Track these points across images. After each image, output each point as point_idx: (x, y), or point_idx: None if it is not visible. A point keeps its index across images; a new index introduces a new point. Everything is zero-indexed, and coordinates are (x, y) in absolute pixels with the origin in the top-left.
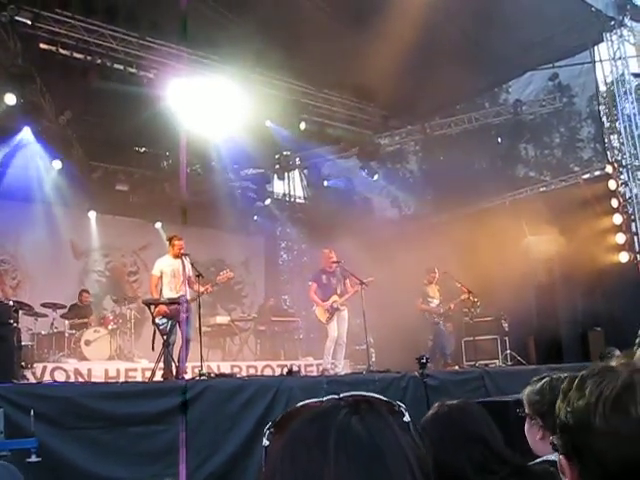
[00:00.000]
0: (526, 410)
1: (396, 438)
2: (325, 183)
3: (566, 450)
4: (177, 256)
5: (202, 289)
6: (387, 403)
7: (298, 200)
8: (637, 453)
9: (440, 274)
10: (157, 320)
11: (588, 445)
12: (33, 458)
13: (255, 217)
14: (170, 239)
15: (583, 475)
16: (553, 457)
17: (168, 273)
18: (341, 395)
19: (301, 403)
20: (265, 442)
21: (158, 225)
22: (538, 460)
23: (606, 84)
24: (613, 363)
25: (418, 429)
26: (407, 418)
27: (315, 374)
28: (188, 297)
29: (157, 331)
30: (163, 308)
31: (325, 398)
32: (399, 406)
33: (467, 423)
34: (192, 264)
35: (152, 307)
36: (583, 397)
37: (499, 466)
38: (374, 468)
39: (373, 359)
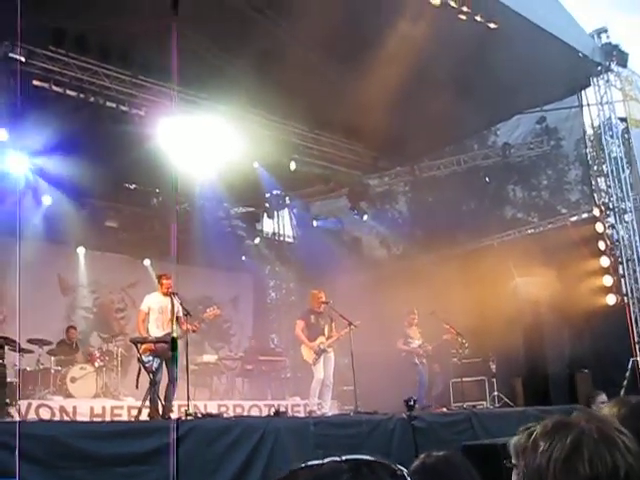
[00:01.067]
0: (513, 460)
1: None
2: (315, 223)
3: None
4: (166, 294)
5: (189, 327)
6: (388, 467)
7: (287, 239)
8: None
9: (427, 315)
10: (143, 357)
11: None
12: None
13: (244, 257)
14: (159, 277)
15: None
16: None
17: (156, 310)
18: (343, 457)
19: (301, 465)
20: None
21: (147, 262)
22: None
23: (593, 127)
24: (570, 417)
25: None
26: None
27: (302, 414)
28: (175, 335)
29: (143, 369)
30: (150, 346)
31: (326, 460)
32: (400, 470)
33: (451, 474)
34: (180, 303)
35: (139, 345)
36: (535, 458)
37: None
38: None
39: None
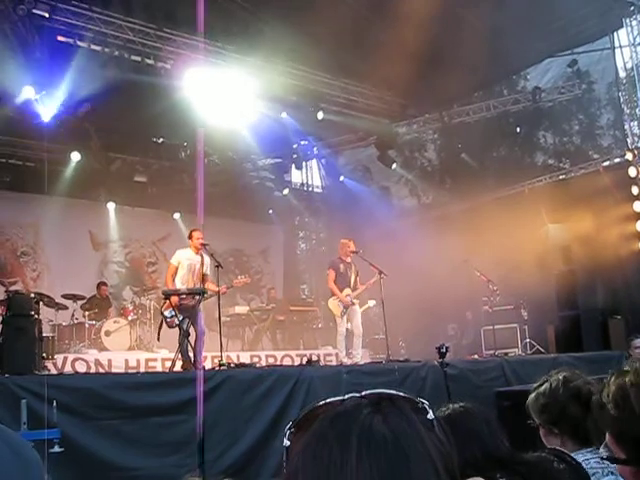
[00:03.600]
0: (536, 421)
1: (420, 438)
2: (343, 172)
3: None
4: (197, 250)
5: (222, 289)
6: (410, 400)
7: (316, 190)
8: None
9: (460, 262)
10: (165, 312)
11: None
12: (56, 449)
13: (272, 209)
14: (190, 232)
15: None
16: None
17: (185, 266)
18: (363, 393)
19: (322, 402)
20: (286, 442)
21: (177, 216)
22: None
23: (626, 70)
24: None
25: (442, 425)
26: (431, 415)
27: (334, 363)
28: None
29: (165, 323)
30: (175, 300)
31: (346, 396)
32: (422, 403)
33: (467, 426)
34: (212, 255)
35: (169, 298)
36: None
37: (488, 464)
38: (398, 469)
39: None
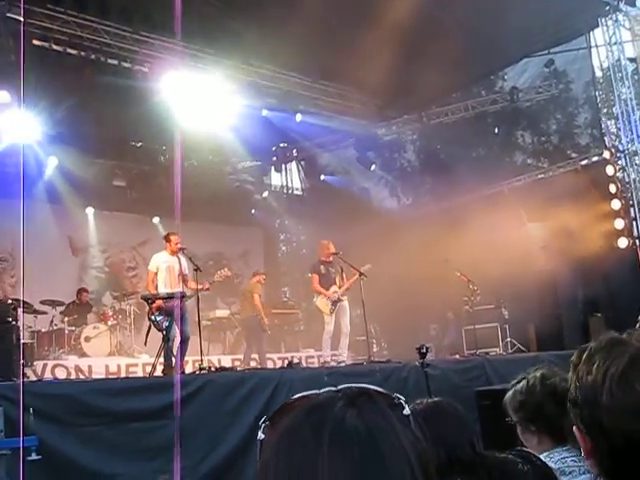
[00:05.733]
0: (513, 418)
1: (395, 433)
2: (322, 174)
3: (576, 423)
4: (174, 252)
5: (204, 285)
6: (386, 396)
7: (296, 192)
8: None
9: (440, 263)
10: (153, 316)
11: (595, 420)
12: (33, 456)
13: (253, 210)
14: (166, 236)
15: (594, 443)
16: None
17: (163, 269)
18: (339, 387)
19: (297, 395)
20: (260, 435)
21: (156, 220)
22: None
23: (602, 69)
24: (623, 336)
25: (419, 422)
26: (407, 411)
27: (316, 366)
28: (188, 293)
29: (153, 326)
30: (160, 304)
31: (322, 390)
32: (398, 398)
33: (439, 421)
34: (189, 258)
35: (149, 302)
36: (590, 373)
37: (450, 466)
38: (370, 464)
39: (374, 349)
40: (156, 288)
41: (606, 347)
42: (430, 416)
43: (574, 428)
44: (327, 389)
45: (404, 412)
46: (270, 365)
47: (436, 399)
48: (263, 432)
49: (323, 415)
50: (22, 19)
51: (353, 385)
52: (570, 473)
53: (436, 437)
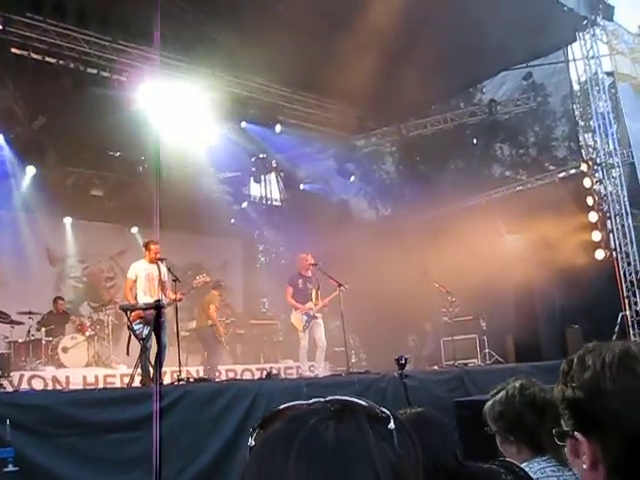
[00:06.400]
0: (492, 428)
1: (367, 448)
2: (302, 185)
3: (581, 425)
4: (153, 261)
5: (177, 296)
6: (371, 409)
7: (275, 203)
8: None
9: (419, 275)
10: (133, 325)
11: (602, 409)
12: (10, 467)
13: (232, 220)
14: (146, 244)
15: (604, 443)
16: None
17: (143, 277)
18: (328, 398)
19: (290, 404)
20: (251, 442)
21: (134, 230)
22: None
23: (580, 83)
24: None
25: (405, 436)
26: (392, 425)
27: (295, 376)
28: (165, 302)
29: (133, 336)
30: (139, 313)
31: (312, 400)
32: (383, 412)
33: (422, 431)
34: (169, 269)
35: (129, 312)
36: (587, 369)
37: (434, 476)
38: (335, 478)
39: (353, 360)
40: (135, 297)
41: (595, 349)
42: (414, 426)
43: (572, 445)
44: (316, 400)
45: (389, 426)
46: (248, 376)
47: (419, 409)
48: (254, 438)
49: (298, 426)
50: (1, 27)
51: (342, 397)
52: None
53: (420, 446)
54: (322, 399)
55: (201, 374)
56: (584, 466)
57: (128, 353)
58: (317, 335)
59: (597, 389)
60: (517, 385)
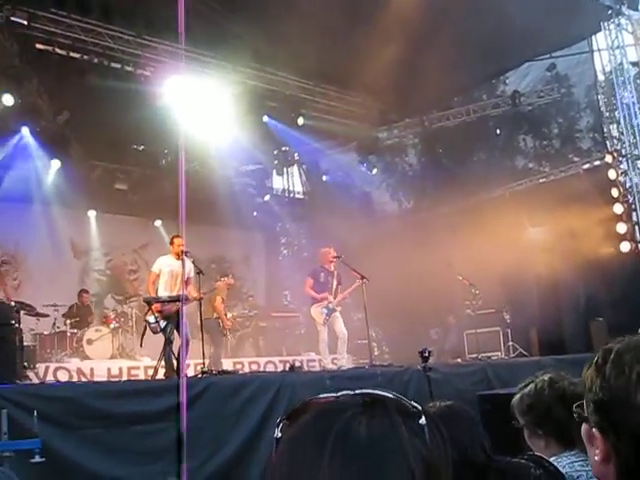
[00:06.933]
0: (520, 422)
1: (400, 444)
2: (324, 178)
3: (601, 425)
4: (178, 256)
5: (198, 295)
6: (402, 404)
7: (297, 195)
8: None
9: (443, 267)
10: (148, 318)
11: (625, 420)
12: (37, 459)
13: (255, 213)
14: (171, 239)
15: (617, 447)
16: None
17: (166, 273)
18: (357, 392)
19: (318, 396)
20: (277, 433)
21: (158, 223)
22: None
23: (604, 73)
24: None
25: (440, 429)
26: (423, 421)
27: (317, 369)
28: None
29: (148, 329)
30: (157, 306)
31: (340, 393)
32: (414, 407)
33: (452, 424)
34: (193, 261)
35: (150, 305)
36: (622, 374)
37: (464, 470)
38: (369, 475)
39: (375, 353)
40: (156, 291)
41: (635, 349)
42: (443, 419)
43: (588, 431)
44: (345, 392)
45: (420, 422)
46: (271, 368)
47: (448, 402)
48: (280, 430)
49: (331, 421)
50: (26, 23)
51: (371, 391)
52: (578, 478)
53: (449, 440)
54: (350, 392)
55: (224, 366)
56: (596, 458)
57: (141, 345)
58: (337, 327)
59: (626, 400)
60: (546, 378)
